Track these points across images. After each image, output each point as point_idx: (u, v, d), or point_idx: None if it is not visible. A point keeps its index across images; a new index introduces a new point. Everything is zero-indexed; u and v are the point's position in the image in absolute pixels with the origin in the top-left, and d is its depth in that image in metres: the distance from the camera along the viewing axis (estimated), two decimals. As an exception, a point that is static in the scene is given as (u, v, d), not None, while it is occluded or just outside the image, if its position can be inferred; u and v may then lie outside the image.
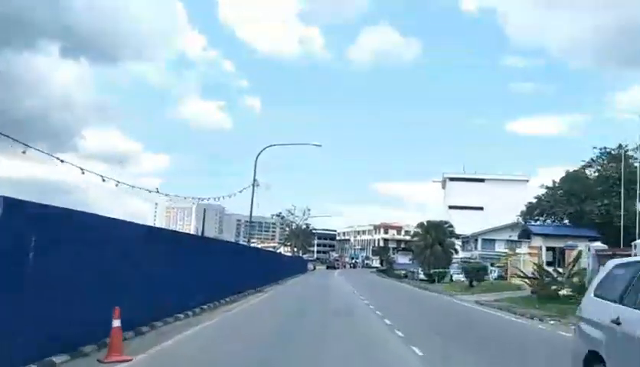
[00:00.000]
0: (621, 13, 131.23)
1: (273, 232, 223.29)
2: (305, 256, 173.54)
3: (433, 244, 65.13)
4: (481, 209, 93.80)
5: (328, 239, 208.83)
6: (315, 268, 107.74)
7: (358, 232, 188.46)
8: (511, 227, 77.01)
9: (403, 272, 75.11)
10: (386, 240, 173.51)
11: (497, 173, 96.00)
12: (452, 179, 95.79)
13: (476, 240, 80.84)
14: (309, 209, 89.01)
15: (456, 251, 66.46)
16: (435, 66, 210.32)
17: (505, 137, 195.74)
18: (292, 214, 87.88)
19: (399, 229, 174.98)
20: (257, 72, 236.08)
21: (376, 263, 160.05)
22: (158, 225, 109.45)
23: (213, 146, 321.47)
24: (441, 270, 56.06)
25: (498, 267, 64.68)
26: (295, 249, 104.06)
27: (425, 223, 68.39)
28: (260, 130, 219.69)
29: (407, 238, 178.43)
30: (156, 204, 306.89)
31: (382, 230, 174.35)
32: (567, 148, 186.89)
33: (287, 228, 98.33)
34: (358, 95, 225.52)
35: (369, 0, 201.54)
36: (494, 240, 75.62)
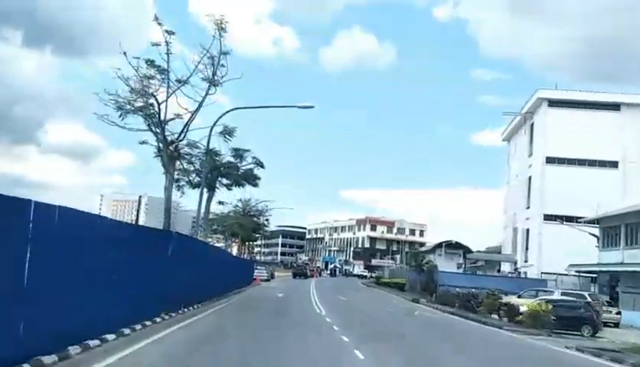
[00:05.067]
0: (593, 30, 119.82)
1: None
2: (269, 255, 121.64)
3: None
4: (614, 165, 43.13)
5: (296, 239, 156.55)
6: (272, 277, 55.62)
7: (335, 229, 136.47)
8: None
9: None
10: (373, 239, 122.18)
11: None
12: (553, 103, 44.82)
13: (617, 229, 31.32)
14: (229, 134, 23.57)
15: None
16: (406, 73, 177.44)
17: (471, 148, 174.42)
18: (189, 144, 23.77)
19: (390, 226, 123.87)
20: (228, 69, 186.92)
21: (358, 269, 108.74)
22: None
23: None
24: None
25: None
26: (236, 244, 52.01)
27: None
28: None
29: (401, 237, 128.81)
30: (102, 196, 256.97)
31: (368, 226, 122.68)
32: None
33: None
34: (329, 99, 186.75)
35: (344, 4, 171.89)
36: None
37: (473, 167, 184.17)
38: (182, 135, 18.39)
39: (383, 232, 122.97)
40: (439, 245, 47.38)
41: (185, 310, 17.10)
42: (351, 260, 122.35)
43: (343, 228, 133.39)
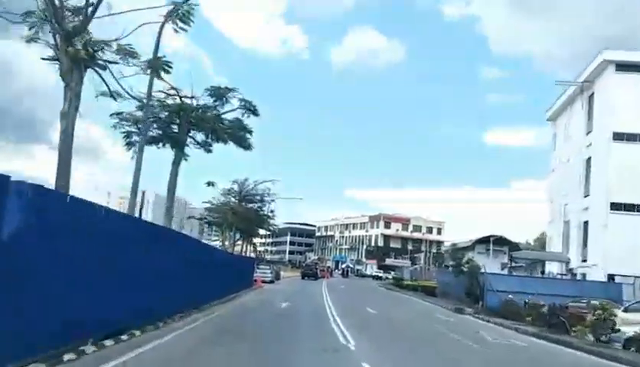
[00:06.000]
0: (602, 28, 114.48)
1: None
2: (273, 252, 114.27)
3: None
4: None
5: (305, 237, 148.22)
6: (277, 278, 47.31)
7: (346, 227, 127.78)
8: None
9: None
10: (387, 237, 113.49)
11: None
12: (622, 67, 35.93)
13: None
14: (184, 19, 13.35)
15: None
16: (414, 72, 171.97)
17: (482, 147, 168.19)
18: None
19: (405, 223, 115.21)
20: (237, 69, 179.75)
21: (371, 269, 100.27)
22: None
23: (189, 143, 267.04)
24: None
25: None
26: (229, 241, 42.91)
27: None
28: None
29: (418, 235, 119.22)
30: (109, 193, 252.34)
31: (382, 223, 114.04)
32: (540, 162, 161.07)
33: None
34: (336, 97, 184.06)
35: (353, 2, 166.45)
36: None
37: (477, 167, 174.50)
38: (90, 13, 10.01)
39: (397, 230, 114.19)
40: (480, 241, 38.53)
41: (93, 348, 8.76)
42: (364, 259, 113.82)
43: (355, 226, 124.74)
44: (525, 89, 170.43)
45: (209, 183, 31.38)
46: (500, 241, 38.61)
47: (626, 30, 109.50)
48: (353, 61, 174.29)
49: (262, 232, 62.23)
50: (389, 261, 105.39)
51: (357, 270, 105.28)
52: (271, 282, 43.67)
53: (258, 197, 42.21)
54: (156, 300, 12.69)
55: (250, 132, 20.06)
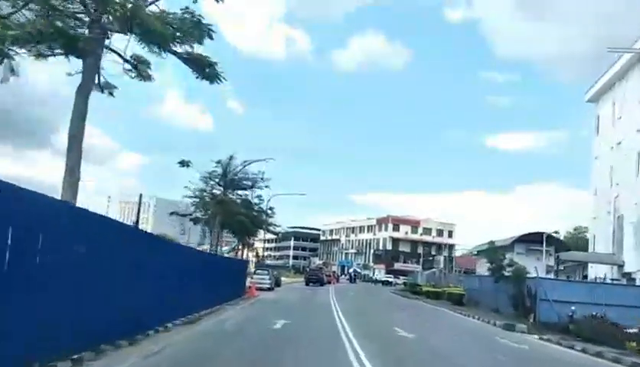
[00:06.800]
0: (604, 30, 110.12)
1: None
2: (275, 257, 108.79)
3: None
4: None
5: (309, 241, 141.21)
6: (276, 285, 40.76)
7: (352, 230, 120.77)
8: None
9: None
10: (395, 240, 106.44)
11: None
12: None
13: None
14: None
15: None
16: (419, 75, 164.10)
17: (484, 151, 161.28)
18: None
19: (415, 226, 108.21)
20: (240, 74, 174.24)
21: (379, 274, 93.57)
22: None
23: (193, 148, 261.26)
24: None
25: None
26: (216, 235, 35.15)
27: None
28: (241, 132, 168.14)
29: (428, 238, 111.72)
30: (109, 198, 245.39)
31: (390, 226, 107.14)
32: (545, 166, 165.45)
33: None
34: (337, 101, 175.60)
35: (355, 5, 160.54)
36: None
37: (481, 170, 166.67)
38: None
39: (407, 233, 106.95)
40: (521, 240, 31.60)
41: None
42: (371, 264, 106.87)
43: (361, 229, 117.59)
44: (527, 91, 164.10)
45: (182, 163, 23.97)
46: (546, 240, 31.68)
47: (631, 30, 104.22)
48: (357, 64, 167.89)
49: (264, 236, 54.90)
50: (398, 266, 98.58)
51: (365, 275, 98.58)
52: (269, 289, 37.06)
53: (248, 182, 34.33)
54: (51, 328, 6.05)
55: (210, 35, 11.73)
